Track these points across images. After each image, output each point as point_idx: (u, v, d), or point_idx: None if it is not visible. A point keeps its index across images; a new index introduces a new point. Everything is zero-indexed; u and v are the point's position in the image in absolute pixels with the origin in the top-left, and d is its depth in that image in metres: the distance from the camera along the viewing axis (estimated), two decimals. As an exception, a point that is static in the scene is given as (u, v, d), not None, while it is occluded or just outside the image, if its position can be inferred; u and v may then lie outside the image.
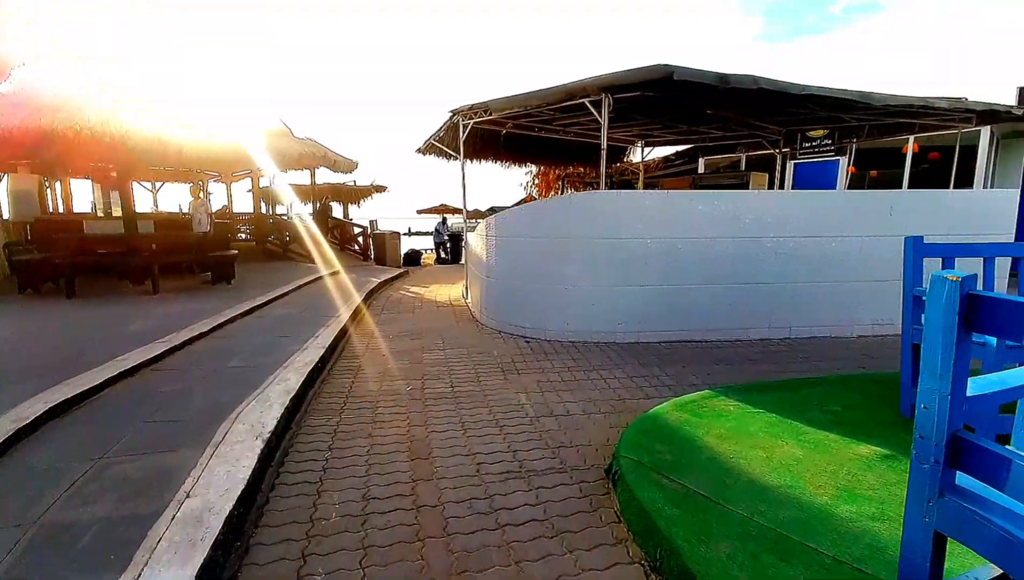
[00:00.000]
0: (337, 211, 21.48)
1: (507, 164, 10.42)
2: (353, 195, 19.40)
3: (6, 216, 8.43)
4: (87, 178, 13.08)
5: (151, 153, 7.13)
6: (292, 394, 3.36)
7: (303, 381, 3.65)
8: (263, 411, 3.03)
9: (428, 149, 8.98)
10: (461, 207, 26.48)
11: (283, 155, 12.31)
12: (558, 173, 18.15)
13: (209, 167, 14.80)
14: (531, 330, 5.61)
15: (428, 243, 30.21)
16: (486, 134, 8.89)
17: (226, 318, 5.43)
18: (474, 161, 9.74)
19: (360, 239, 13.71)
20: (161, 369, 3.89)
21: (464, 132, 7.86)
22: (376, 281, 9.53)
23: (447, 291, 9.36)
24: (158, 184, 20.29)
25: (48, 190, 13.85)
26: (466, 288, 8.42)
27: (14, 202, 8.55)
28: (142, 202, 25.26)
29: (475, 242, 7.26)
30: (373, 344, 5.32)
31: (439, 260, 15.61)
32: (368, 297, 7.97)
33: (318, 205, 14.96)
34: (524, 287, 5.63)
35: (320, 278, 9.62)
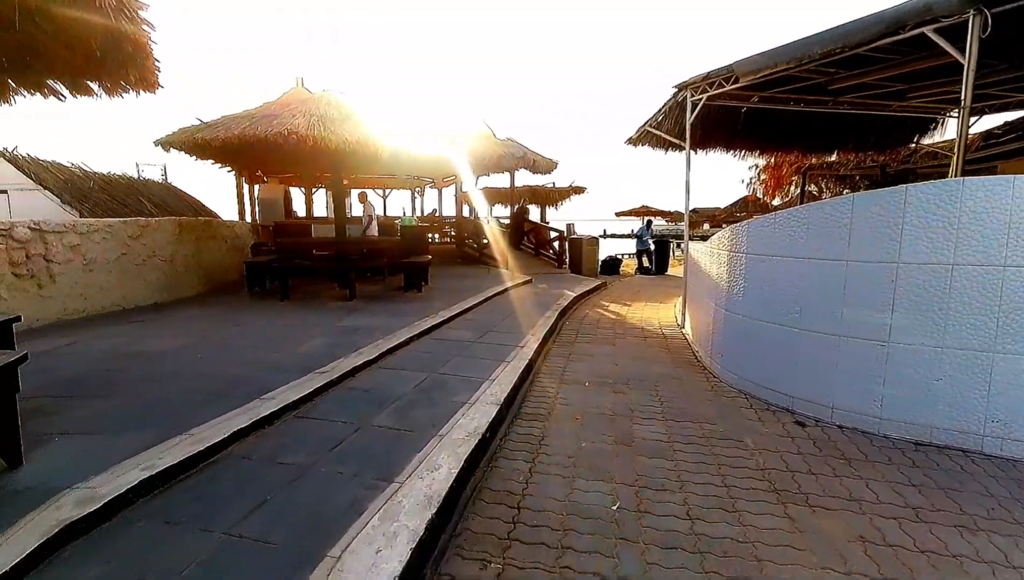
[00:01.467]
0: (534, 214, 21.23)
1: (740, 153, 8.11)
2: (551, 197, 18.79)
3: (256, 220, 9.72)
4: (322, 187, 14.82)
5: (359, 158, 7.03)
6: (435, 507, 2.13)
7: (457, 473, 2.42)
8: (383, 549, 1.84)
9: (641, 138, 7.32)
10: (664, 209, 23.99)
11: (484, 158, 12.03)
12: (797, 166, 14.50)
13: (422, 173, 15.60)
14: (803, 402, 3.56)
15: (625, 247, 28.31)
16: (719, 114, 6.85)
17: (400, 341, 4.69)
18: (699, 151, 7.72)
19: (555, 244, 12.74)
20: (305, 416, 3.12)
21: (692, 112, 6.01)
22: (570, 295, 8.28)
23: (655, 313, 7.58)
24: (387, 191, 22.82)
25: (304, 195, 16.23)
26: (682, 312, 6.54)
27: (261, 208, 9.80)
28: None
29: (702, 257, 5.37)
30: (563, 396, 3.95)
31: (641, 269, 13.71)
32: (560, 317, 6.72)
33: (515, 208, 14.53)
34: (791, 333, 3.59)
35: (511, 288, 8.78)
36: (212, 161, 8.86)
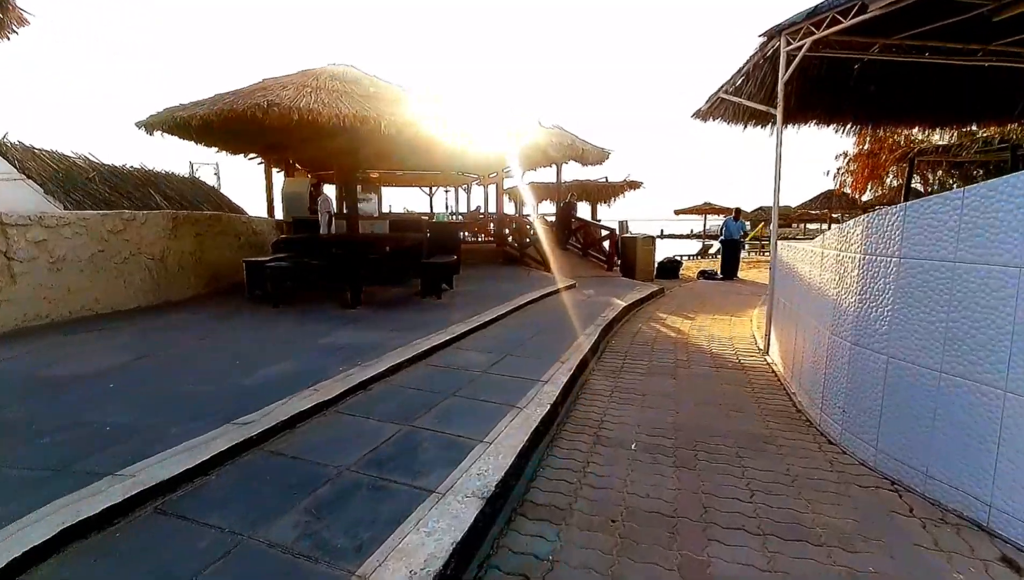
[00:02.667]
0: (584, 211, 19.77)
1: (845, 127, 6.36)
2: (602, 193, 17.21)
3: (279, 216, 9.02)
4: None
5: (369, 141, 5.98)
6: None
7: None
8: None
9: (713, 110, 5.80)
10: (728, 206, 21.73)
11: (528, 148, 10.78)
12: (902, 152, 12.18)
13: (457, 166, 14.52)
14: (1010, 518, 2.03)
15: (685, 248, 26.07)
16: (821, 71, 5.24)
17: (382, 369, 3.52)
18: (790, 125, 6.06)
19: (605, 244, 11.27)
20: (167, 511, 1.98)
21: (788, 67, 4.50)
22: (620, 304, 6.86)
23: (726, 329, 6.02)
24: (434, 189, 22.02)
25: (336, 190, 15.58)
26: (766, 333, 4.98)
27: (286, 202, 9.07)
28: (416, 204, 28.33)
29: (804, 261, 3.85)
30: (595, 470, 2.61)
31: (705, 274, 11.86)
32: (604, 334, 5.35)
33: (561, 204, 13.15)
34: (989, 396, 2.08)
35: (549, 295, 7.48)
36: (221, 149, 8.15)
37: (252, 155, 10.05)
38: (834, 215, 21.98)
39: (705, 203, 24.45)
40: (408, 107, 6.31)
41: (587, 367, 4.33)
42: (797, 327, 3.88)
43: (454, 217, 17.26)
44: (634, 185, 17.56)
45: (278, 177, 11.72)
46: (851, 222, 2.95)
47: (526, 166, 14.85)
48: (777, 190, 4.89)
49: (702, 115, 5.94)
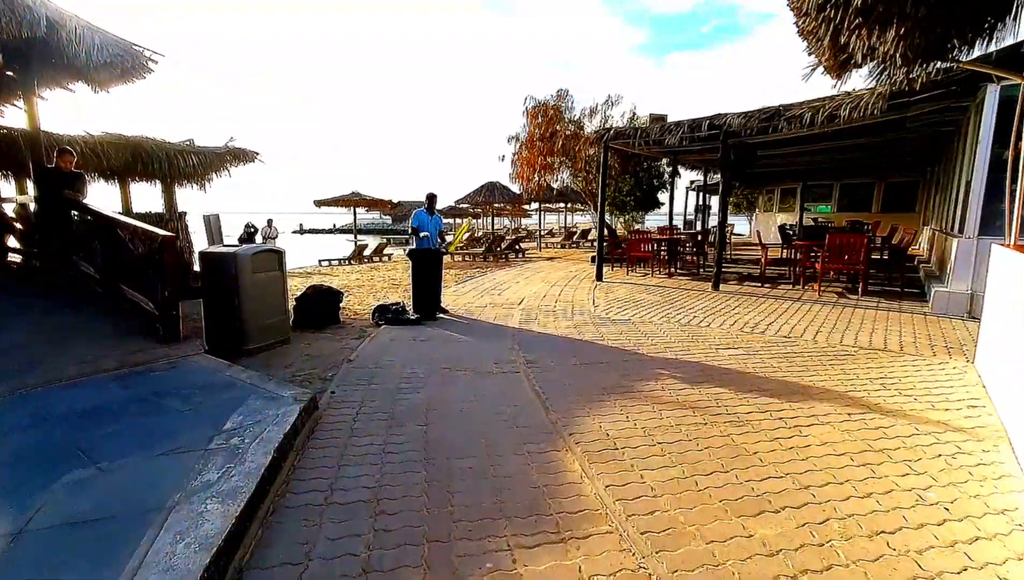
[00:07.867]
0: (148, 199, 11.79)
1: None
2: (179, 164, 9.71)
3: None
4: None
5: None
6: None
7: None
8: None
9: None
10: (381, 198, 16.66)
11: None
12: (593, 135, 10.08)
13: None
14: None
15: (333, 249, 20.55)
16: None
17: None
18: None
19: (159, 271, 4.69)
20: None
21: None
22: None
23: None
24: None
25: None
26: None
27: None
28: None
29: None
30: None
31: (387, 315, 6.47)
32: None
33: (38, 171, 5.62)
34: None
35: None
36: None
37: None
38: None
39: (352, 193, 19.52)
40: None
41: None
42: None
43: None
44: (246, 156, 10.88)
45: None
46: None
47: None
48: None
49: None
